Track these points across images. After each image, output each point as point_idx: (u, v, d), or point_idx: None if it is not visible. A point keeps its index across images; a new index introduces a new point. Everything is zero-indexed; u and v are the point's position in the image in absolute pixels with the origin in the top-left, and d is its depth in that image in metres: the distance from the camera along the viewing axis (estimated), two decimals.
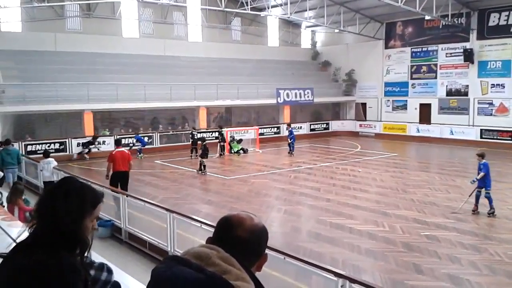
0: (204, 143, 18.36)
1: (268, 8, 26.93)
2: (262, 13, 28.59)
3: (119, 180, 11.73)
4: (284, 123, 30.10)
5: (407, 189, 14.69)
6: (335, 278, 5.04)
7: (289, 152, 22.75)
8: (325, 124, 32.45)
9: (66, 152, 21.80)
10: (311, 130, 31.35)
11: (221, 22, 31.40)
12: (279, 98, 29.44)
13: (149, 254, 8.62)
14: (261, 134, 27.24)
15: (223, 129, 23.50)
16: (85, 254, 1.86)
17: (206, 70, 28.78)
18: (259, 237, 1.61)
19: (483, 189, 11.50)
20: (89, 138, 22.28)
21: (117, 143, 12.89)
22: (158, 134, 25.17)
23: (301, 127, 29.80)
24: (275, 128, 29.81)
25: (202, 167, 17.73)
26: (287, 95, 29.82)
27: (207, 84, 26.86)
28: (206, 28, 30.85)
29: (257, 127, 27.13)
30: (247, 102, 28.32)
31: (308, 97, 30.69)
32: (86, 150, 21.94)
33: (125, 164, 11.86)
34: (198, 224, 7.63)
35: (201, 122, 26.98)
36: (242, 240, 1.57)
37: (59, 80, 22.61)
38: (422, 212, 11.89)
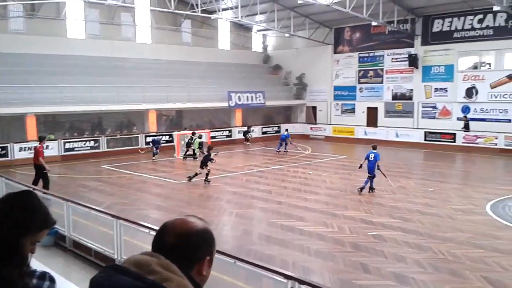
0: (210, 151, 16.76)
1: (219, 11, 26.87)
2: (213, 16, 28.51)
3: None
4: (236, 126, 30.13)
5: (355, 191, 14.98)
6: (285, 280, 5.04)
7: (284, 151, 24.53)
8: (276, 127, 32.70)
9: (8, 157, 20.76)
10: (263, 133, 31.53)
11: (171, 24, 31.01)
12: (230, 101, 29.41)
13: (95, 262, 8.30)
14: (213, 137, 27.08)
15: (195, 135, 22.93)
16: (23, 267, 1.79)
17: (155, 72, 28.29)
18: (194, 242, 1.54)
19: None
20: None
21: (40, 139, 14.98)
22: (105, 138, 24.46)
23: (253, 130, 29.87)
24: (227, 131, 29.73)
25: (206, 176, 16.45)
26: (239, 98, 29.85)
27: (157, 87, 26.42)
28: (155, 29, 30.35)
29: (208, 130, 26.93)
30: (198, 105, 28.08)
31: (259, 100, 30.86)
32: None
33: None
34: (146, 230, 7.40)
35: (151, 125, 26.48)
36: (172, 245, 1.52)
37: (1, 82, 21.52)
38: (369, 212, 12.17)
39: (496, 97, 25.10)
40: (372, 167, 14.50)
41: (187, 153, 22.69)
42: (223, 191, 15.72)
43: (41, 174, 14.18)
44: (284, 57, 35.25)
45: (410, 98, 28.82)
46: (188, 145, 22.73)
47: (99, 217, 8.82)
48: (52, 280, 1.99)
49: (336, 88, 32.55)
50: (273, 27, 29.13)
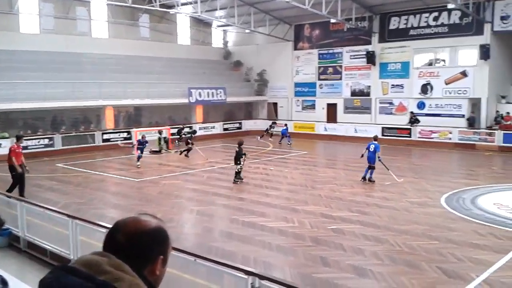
0: (241, 146, 15.93)
1: (178, 5, 26.48)
2: (172, 11, 28.08)
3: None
4: (197, 123, 29.89)
5: (316, 186, 15.19)
6: (245, 276, 5.06)
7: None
8: (238, 124, 32.66)
9: None
10: (224, 129, 31.39)
11: (128, 18, 30.35)
12: (191, 98, 29.13)
13: (50, 263, 8.04)
14: (173, 134, 26.73)
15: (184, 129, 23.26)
16: None
17: (112, 67, 27.64)
18: (147, 241, 1.51)
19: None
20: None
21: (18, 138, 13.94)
22: (60, 135, 23.70)
23: (214, 127, 29.72)
24: (188, 128, 29.40)
25: (238, 174, 15.69)
26: (200, 94, 29.61)
27: (114, 83, 25.82)
28: (112, 24, 29.62)
29: (168, 127, 26.56)
30: (158, 102, 27.64)
31: (220, 96, 30.72)
32: None
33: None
34: (103, 230, 7.23)
35: (108, 122, 25.87)
36: (123, 245, 1.48)
37: None
38: (329, 207, 12.33)
39: (450, 93, 25.96)
40: (372, 157, 15.24)
41: (185, 150, 22.02)
42: (183, 188, 15.56)
43: (12, 176, 13.36)
44: (245, 53, 35.21)
45: (368, 94, 29.41)
46: (187, 142, 22.16)
47: (54, 217, 8.55)
48: (4, 283, 1.92)
49: (297, 85, 32.83)
50: (233, 22, 29.01)
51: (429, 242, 9.31)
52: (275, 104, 34.21)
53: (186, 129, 23.25)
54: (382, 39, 28.40)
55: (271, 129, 28.63)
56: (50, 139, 23.12)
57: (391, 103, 28.54)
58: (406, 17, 27.33)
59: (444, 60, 26.73)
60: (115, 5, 26.62)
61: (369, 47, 28.74)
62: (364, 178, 15.56)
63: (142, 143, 19.35)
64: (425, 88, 26.84)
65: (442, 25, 25.98)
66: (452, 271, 7.81)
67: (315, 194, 14.02)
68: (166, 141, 24.33)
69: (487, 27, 24.25)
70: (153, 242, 1.51)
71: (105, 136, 24.98)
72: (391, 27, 28.00)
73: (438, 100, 26.39)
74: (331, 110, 31.03)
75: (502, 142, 23.22)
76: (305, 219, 11.12)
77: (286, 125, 27.73)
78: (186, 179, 16.95)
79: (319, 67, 31.54)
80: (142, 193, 14.64)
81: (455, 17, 25.40)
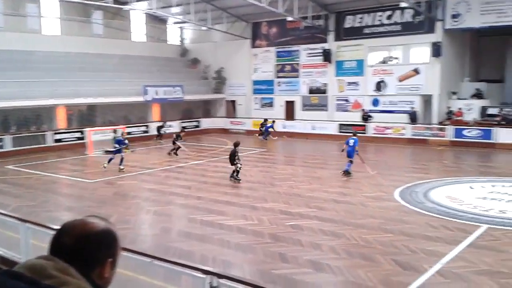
0: (237, 147, 15.77)
1: (132, 2, 25.94)
2: (126, 7, 27.50)
3: None
4: (153, 121, 29.42)
5: (275, 183, 15.26)
6: (203, 276, 5.01)
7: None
8: (196, 122, 32.38)
9: None
10: (182, 128, 30.97)
11: (81, 15, 29.41)
12: (147, 96, 28.62)
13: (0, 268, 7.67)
14: (129, 133, 26.15)
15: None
16: None
17: (64, 65, 26.69)
18: (94, 244, 1.48)
19: None
20: None
21: None
22: (10, 136, 22.73)
23: (171, 125, 29.29)
24: (144, 127, 28.91)
25: (236, 173, 15.44)
26: (156, 92, 29.14)
27: (66, 81, 25.00)
28: (64, 21, 28.65)
29: (123, 126, 25.97)
30: (112, 100, 26.94)
31: (178, 94, 30.36)
32: None
33: None
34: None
35: (60, 122, 25.04)
36: (70, 248, 1.45)
37: None
38: (287, 203, 12.40)
39: (403, 90, 26.70)
40: (351, 152, 15.83)
41: (174, 149, 21.58)
42: (140, 188, 15.26)
43: None
44: (202, 51, 34.93)
45: (325, 92, 29.83)
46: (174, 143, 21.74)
47: (5, 221, 8.19)
48: None
49: (255, 82, 32.88)
50: (190, 19, 28.71)
51: (384, 235, 9.52)
52: (233, 101, 34.14)
53: (181, 127, 22.93)
54: (337, 37, 28.85)
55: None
56: (0, 140, 22.13)
57: (347, 100, 29.07)
58: (360, 15, 27.88)
59: (397, 58, 27.45)
60: (67, 1, 25.79)
61: (325, 45, 29.14)
62: (344, 171, 16.09)
63: (120, 142, 17.76)
64: (379, 86, 27.49)
65: (395, 23, 26.67)
66: (406, 263, 8.01)
67: (274, 191, 14.08)
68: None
69: (438, 25, 25.07)
70: (101, 244, 1.49)
71: (57, 136, 24.19)
72: (346, 25, 28.49)
73: (392, 97, 27.09)
74: (289, 107, 31.29)
75: (453, 137, 24.12)
76: (264, 216, 11.14)
77: (274, 121, 27.94)
78: (143, 179, 16.63)
79: (277, 65, 31.71)
80: (97, 194, 14.23)
81: (407, 16, 26.12)
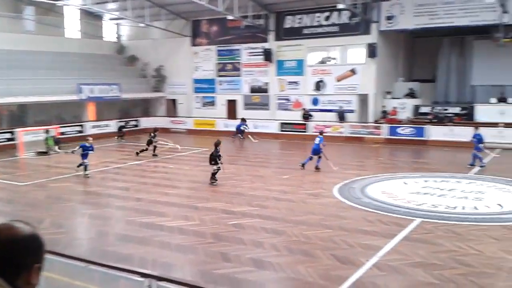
0: (218, 147, 15.15)
1: None
2: (59, 3, 26.32)
3: None
4: (88, 121, 28.40)
5: (217, 182, 15.13)
6: (142, 279, 4.83)
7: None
8: (134, 121, 31.55)
9: None
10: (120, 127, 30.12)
11: (11, 11, 27.80)
12: (82, 94, 27.52)
13: None
14: (63, 133, 25.05)
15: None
16: None
17: None
18: (20, 249, 1.42)
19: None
20: None
21: None
22: None
23: (108, 125, 28.41)
24: (79, 127, 27.78)
25: (213, 175, 14.83)
26: (91, 90, 28.08)
27: None
28: None
29: (57, 125, 24.82)
30: (45, 99, 25.59)
31: (115, 93, 29.43)
32: None
33: None
34: None
35: None
36: None
37: None
38: (230, 202, 12.35)
39: (341, 89, 27.42)
40: (317, 149, 16.86)
41: (143, 150, 20.61)
42: (75, 191, 14.63)
43: None
44: (140, 48, 34.07)
45: (266, 91, 30.06)
46: (150, 142, 20.66)
47: None
48: None
49: (196, 81, 32.54)
50: (127, 16, 27.92)
51: (323, 231, 9.70)
52: (174, 100, 33.62)
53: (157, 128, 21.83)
54: (278, 37, 29.15)
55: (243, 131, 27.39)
56: None
57: (288, 100, 29.45)
58: (300, 16, 28.32)
59: (335, 58, 28.14)
60: None
61: (266, 45, 29.36)
62: (316, 167, 16.85)
63: (87, 148, 16.33)
64: (319, 85, 28.08)
65: (333, 24, 27.32)
66: (344, 257, 8.19)
67: (216, 190, 13.99)
68: (56, 141, 22.72)
69: (374, 27, 25.95)
70: (28, 250, 1.44)
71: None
72: (286, 25, 28.84)
73: (331, 96, 27.75)
74: (231, 107, 31.25)
75: (388, 134, 25.07)
76: (205, 216, 11.02)
77: (244, 120, 27.18)
78: (77, 181, 15.94)
79: (218, 64, 31.56)
80: (28, 197, 13.47)
81: (344, 17, 26.83)
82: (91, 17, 32.72)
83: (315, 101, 28.34)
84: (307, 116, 27.76)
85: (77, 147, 16.46)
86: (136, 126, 31.23)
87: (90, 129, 27.88)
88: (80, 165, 16.20)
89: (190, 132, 30.83)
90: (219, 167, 14.84)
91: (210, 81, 31.96)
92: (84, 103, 28.52)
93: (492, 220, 10.50)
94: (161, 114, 33.54)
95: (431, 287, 7.02)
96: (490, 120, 22.56)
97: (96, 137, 27.18)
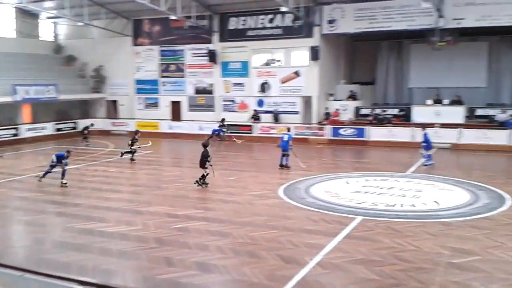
0: (206, 148, 14.49)
1: None
2: None
3: None
4: (23, 124, 27.03)
5: (161, 185, 14.86)
6: (81, 287, 4.70)
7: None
8: (73, 123, 30.34)
9: None
10: (57, 130, 28.89)
11: None
12: (17, 95, 26.14)
13: None
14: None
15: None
16: None
17: None
18: None
19: None
20: None
21: None
22: None
23: (44, 127, 27.17)
24: (14, 130, 26.36)
25: (203, 177, 14.30)
26: (27, 92, 26.72)
27: None
28: None
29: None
30: None
31: (52, 94, 28.18)
32: None
33: None
34: None
35: None
36: None
37: None
38: (174, 206, 12.12)
39: (285, 91, 27.75)
40: (285, 146, 17.28)
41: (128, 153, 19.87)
42: (9, 197, 13.84)
43: None
44: (79, 48, 32.84)
45: (211, 92, 29.89)
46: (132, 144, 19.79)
47: None
48: None
49: (138, 82, 31.80)
50: (65, 14, 26.84)
51: (268, 232, 9.73)
52: (114, 102, 32.68)
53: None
54: (222, 39, 29.07)
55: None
56: None
57: (233, 101, 29.43)
58: (244, 18, 28.39)
59: (279, 61, 28.44)
60: None
61: (211, 46, 29.19)
62: (281, 165, 17.31)
63: (61, 159, 15.24)
64: (264, 87, 28.27)
65: (277, 27, 27.61)
66: (289, 257, 8.25)
67: (160, 194, 13.70)
68: None
69: (316, 30, 26.46)
70: None
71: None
72: (230, 27, 28.82)
73: (276, 98, 28.01)
74: (176, 108, 30.81)
75: (331, 135, 25.64)
76: (149, 221, 10.75)
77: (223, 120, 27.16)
78: (12, 186, 15.11)
79: (161, 64, 31.02)
80: None
81: (288, 20, 27.18)
82: (27, 16, 31.16)
83: (260, 103, 28.51)
84: (257, 117, 27.85)
85: (53, 156, 15.51)
86: (74, 128, 30.05)
87: (25, 132, 26.56)
88: (63, 175, 14.97)
89: (132, 134, 29.93)
90: (207, 171, 14.31)
91: (153, 82, 31.34)
92: (18, 105, 27.11)
93: (429, 217, 10.97)
94: (101, 116, 32.50)
95: (372, 283, 7.21)
96: (426, 121, 23.60)
97: (32, 140, 26.09)
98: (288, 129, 19.20)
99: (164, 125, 29.95)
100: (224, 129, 26.75)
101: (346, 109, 27.38)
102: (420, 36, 25.75)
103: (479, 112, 25.04)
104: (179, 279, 7.45)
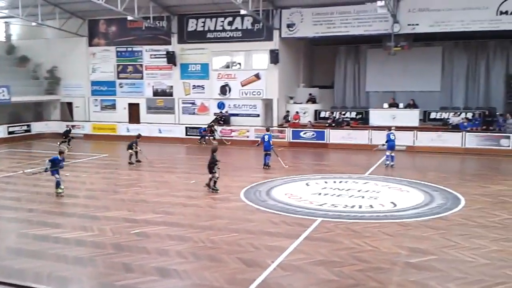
0: (214, 153, 14.01)
1: None
2: None
3: None
4: None
5: (118, 189, 14.52)
6: None
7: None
8: (26, 126, 29.24)
9: None
10: (9, 133, 27.80)
11: None
12: None
13: None
14: None
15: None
16: None
17: None
18: None
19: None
20: None
21: None
22: None
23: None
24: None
25: (213, 182, 13.97)
26: None
27: None
28: None
29: None
30: None
31: (3, 96, 27.02)
32: None
33: None
34: None
35: None
36: None
37: None
38: (132, 211, 11.86)
39: (246, 94, 27.76)
40: (267, 146, 18.05)
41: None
42: None
43: None
44: (32, 48, 31.69)
45: (171, 94, 29.53)
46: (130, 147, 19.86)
47: None
48: None
49: (94, 83, 31.02)
50: (17, 14, 25.83)
51: (230, 235, 9.68)
52: (70, 104, 31.73)
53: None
54: (181, 40, 28.79)
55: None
56: None
57: (193, 103, 29.19)
58: (203, 20, 28.22)
59: (240, 63, 28.45)
60: None
61: (169, 47, 28.86)
62: (265, 164, 18.17)
63: (57, 163, 13.72)
64: (224, 89, 28.19)
65: (237, 30, 27.61)
66: (250, 259, 8.23)
67: (118, 198, 13.37)
68: None
69: (276, 34, 26.62)
70: None
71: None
72: (190, 29, 28.59)
73: (236, 101, 28.00)
74: (134, 110, 30.23)
75: (292, 138, 25.87)
76: (106, 226, 10.46)
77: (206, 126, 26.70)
78: None
79: (118, 65, 30.38)
80: None
81: (247, 23, 27.23)
82: None
83: (220, 105, 28.41)
84: (222, 120, 27.70)
85: (47, 161, 13.98)
86: (28, 131, 28.98)
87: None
88: (58, 184, 13.71)
89: (87, 137, 29.34)
90: (216, 176, 13.96)
91: (110, 83, 30.66)
92: None
93: (386, 217, 11.22)
94: (55, 118, 31.50)
95: (331, 284, 7.28)
96: (383, 124, 24.20)
97: None
98: (267, 129, 19.75)
99: (121, 128, 29.34)
100: (216, 132, 26.57)
101: (306, 112, 27.72)
102: (376, 41, 26.42)
103: (433, 115, 25.91)
104: (138, 285, 7.28)
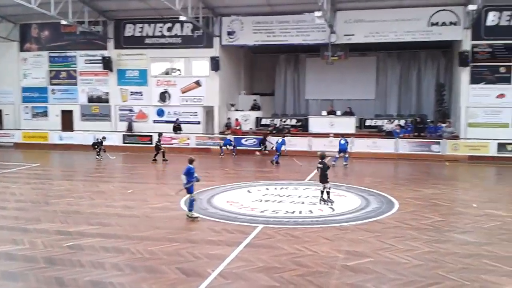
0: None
1: None
2: None
3: None
4: None
5: (50, 201, 13.79)
6: None
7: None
8: None
9: None
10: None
11: None
12: None
13: None
14: None
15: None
16: None
17: None
18: None
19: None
20: None
21: None
22: None
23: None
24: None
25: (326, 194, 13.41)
26: None
27: None
28: None
29: None
30: None
31: None
32: None
33: None
34: None
35: None
36: None
37: None
38: (65, 222, 11.29)
39: (187, 101, 27.48)
40: (279, 147, 21.75)
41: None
42: None
43: None
44: None
45: (107, 101, 28.67)
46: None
47: None
48: None
49: (25, 90, 29.53)
50: None
51: (169, 245, 9.43)
52: None
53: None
54: (118, 45, 28.08)
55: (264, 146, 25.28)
56: None
57: (131, 110, 28.47)
58: (141, 25, 27.69)
59: (180, 70, 28.12)
60: None
61: (105, 53, 28.05)
62: (273, 161, 21.34)
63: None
64: (164, 96, 27.76)
65: (176, 36, 27.31)
66: (190, 269, 8.04)
67: (50, 210, 12.68)
68: None
69: (216, 41, 26.62)
70: None
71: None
72: (127, 34, 27.94)
73: (176, 108, 27.63)
74: (67, 118, 29.03)
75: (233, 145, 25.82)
76: (37, 239, 9.87)
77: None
78: None
79: (51, 71, 29.12)
80: None
81: (187, 30, 27.03)
82: None
83: (160, 112, 27.92)
84: (178, 127, 27.06)
85: None
86: None
87: None
88: None
89: (18, 146, 27.85)
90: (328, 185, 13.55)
91: (42, 90, 29.31)
92: None
93: (326, 222, 11.41)
94: None
95: None
96: (322, 131, 24.76)
97: None
98: (283, 136, 23.02)
99: (54, 136, 28.13)
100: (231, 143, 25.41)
101: (248, 120, 27.83)
102: (315, 50, 27.10)
103: (368, 122, 26.90)
104: None
